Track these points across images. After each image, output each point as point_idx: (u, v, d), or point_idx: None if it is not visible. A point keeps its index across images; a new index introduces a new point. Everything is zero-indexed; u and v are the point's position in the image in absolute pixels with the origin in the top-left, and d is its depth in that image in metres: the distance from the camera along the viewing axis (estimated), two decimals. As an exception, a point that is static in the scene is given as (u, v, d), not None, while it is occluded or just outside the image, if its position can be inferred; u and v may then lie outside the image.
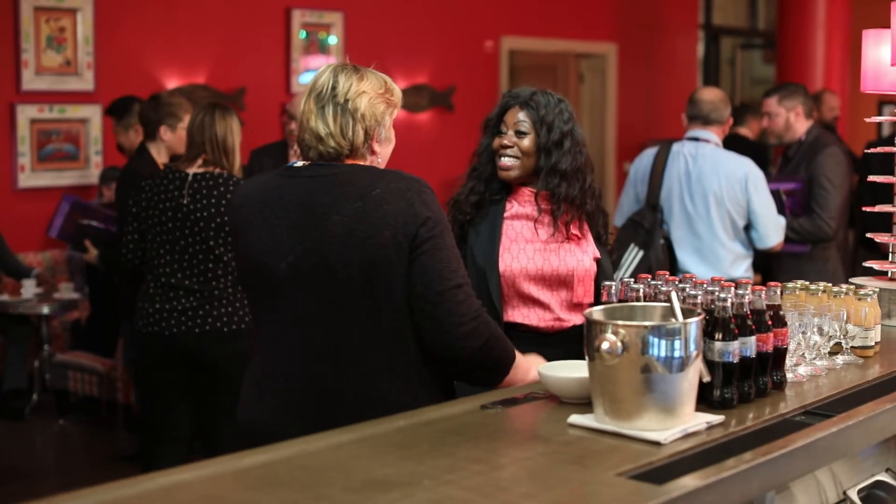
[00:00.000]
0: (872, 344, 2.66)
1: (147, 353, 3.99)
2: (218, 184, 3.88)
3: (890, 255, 3.20)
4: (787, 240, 4.85)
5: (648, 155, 4.79)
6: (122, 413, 6.03)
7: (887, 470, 2.50)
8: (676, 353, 1.90)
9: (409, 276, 2.26)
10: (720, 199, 4.53)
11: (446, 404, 2.23)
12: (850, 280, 3.19)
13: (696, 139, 4.66)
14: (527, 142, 2.96)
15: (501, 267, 2.93)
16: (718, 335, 2.11)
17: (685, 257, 4.58)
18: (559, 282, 2.95)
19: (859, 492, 2.37)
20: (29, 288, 6.25)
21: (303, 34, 7.94)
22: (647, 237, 4.56)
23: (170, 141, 4.63)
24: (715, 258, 4.56)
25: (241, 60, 7.62)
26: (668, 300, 2.06)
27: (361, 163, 2.38)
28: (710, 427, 2.00)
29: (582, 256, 2.98)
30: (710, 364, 2.10)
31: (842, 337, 2.52)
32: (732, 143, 6.16)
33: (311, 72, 7.92)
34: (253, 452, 1.90)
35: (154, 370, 4.01)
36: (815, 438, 2.02)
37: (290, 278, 2.30)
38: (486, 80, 9.05)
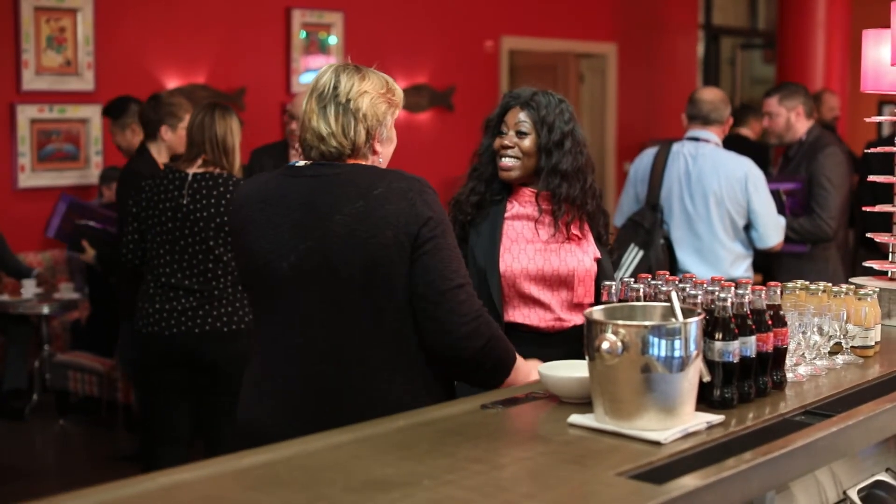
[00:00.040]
0: (872, 344, 2.66)
1: (147, 353, 3.99)
2: (218, 184, 3.88)
3: (890, 255, 3.20)
4: (787, 240, 4.85)
5: (648, 155, 4.79)
6: (122, 413, 6.03)
7: (887, 470, 2.50)
8: (676, 353, 1.90)
9: (411, 275, 2.27)
10: (720, 198, 4.53)
11: (446, 404, 2.23)
12: (850, 280, 3.19)
13: (696, 139, 4.66)
14: (527, 142, 2.96)
15: (502, 267, 2.93)
16: (718, 335, 2.11)
17: (685, 257, 4.58)
18: (560, 282, 2.95)
19: (859, 492, 2.37)
20: (29, 288, 6.25)
21: (303, 34, 7.94)
22: (647, 237, 4.56)
23: (170, 141, 4.63)
24: (715, 258, 4.56)
25: (241, 60, 7.63)
26: (669, 300, 2.06)
27: (363, 162, 2.38)
28: (711, 427, 2.00)
29: (582, 257, 2.98)
30: (710, 364, 2.10)
31: (842, 337, 2.52)
32: (734, 143, 6.16)
33: (311, 72, 7.92)
34: (253, 452, 1.89)
35: (154, 370, 4.01)
36: (815, 438, 2.02)
37: (291, 278, 2.30)
38: (486, 80, 9.05)
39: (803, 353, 2.42)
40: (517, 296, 2.95)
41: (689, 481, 1.75)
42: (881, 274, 3.20)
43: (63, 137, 6.96)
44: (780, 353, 2.25)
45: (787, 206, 5.02)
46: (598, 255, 3.02)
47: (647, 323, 1.94)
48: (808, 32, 9.07)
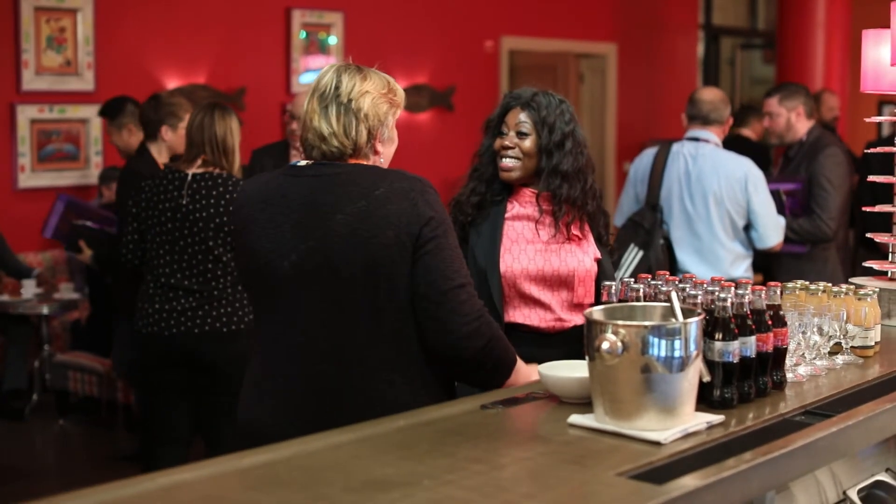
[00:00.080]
0: (872, 344, 2.66)
1: (147, 353, 3.99)
2: (217, 184, 3.88)
3: (890, 255, 3.20)
4: (787, 240, 4.85)
5: (648, 155, 4.79)
6: (122, 413, 6.03)
7: (887, 470, 2.50)
8: (676, 353, 1.90)
9: (413, 275, 2.27)
10: (720, 199, 4.53)
11: (446, 404, 2.23)
12: (849, 280, 3.19)
13: (695, 139, 4.67)
14: (528, 143, 2.96)
15: (502, 267, 2.93)
16: (718, 335, 2.11)
17: (685, 257, 4.58)
18: (560, 282, 2.95)
19: (859, 492, 2.37)
20: (29, 288, 6.25)
21: (303, 34, 7.94)
22: (647, 237, 4.56)
23: (171, 141, 4.63)
24: (715, 258, 4.56)
25: (241, 60, 7.63)
26: (669, 300, 2.06)
27: (364, 162, 2.38)
28: (711, 427, 2.00)
29: (583, 257, 2.98)
30: (710, 364, 2.10)
31: (842, 337, 2.52)
32: (735, 144, 6.17)
33: (311, 72, 7.92)
34: (253, 452, 1.90)
35: (154, 370, 4.01)
36: (815, 438, 2.02)
37: (292, 277, 2.30)
38: (486, 80, 9.05)
39: (803, 354, 2.42)
40: (517, 296, 2.95)
41: (689, 481, 1.75)
42: (881, 274, 3.20)
43: (63, 137, 6.96)
44: (779, 354, 2.25)
45: (787, 206, 5.02)
46: (599, 255, 3.02)
47: (647, 323, 1.94)
48: (808, 32, 9.07)
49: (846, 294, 2.63)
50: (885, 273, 3.17)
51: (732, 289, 2.15)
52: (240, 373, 2.57)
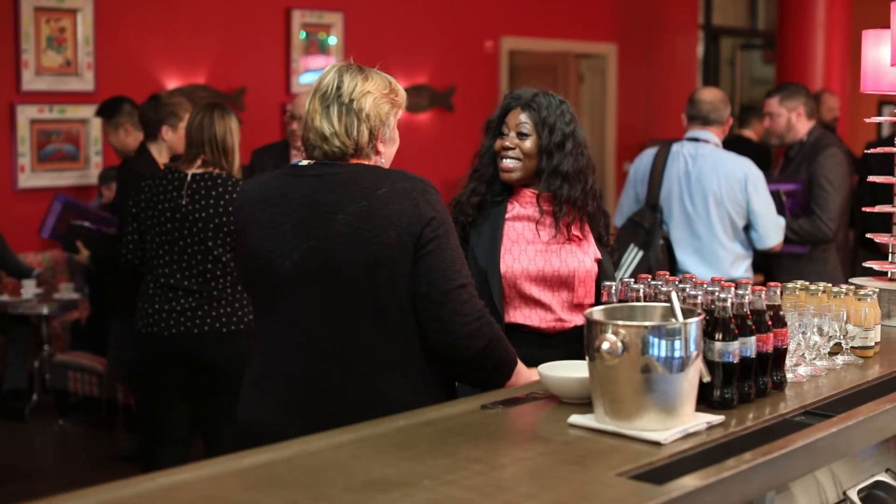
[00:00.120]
0: (872, 344, 2.66)
1: (146, 353, 3.99)
2: (217, 184, 3.88)
3: (890, 255, 3.20)
4: (787, 241, 4.85)
5: (648, 155, 4.79)
6: (122, 413, 6.03)
7: (887, 470, 2.50)
8: (676, 354, 1.90)
9: (414, 275, 2.27)
10: (720, 199, 4.54)
11: (447, 404, 2.23)
12: (849, 280, 3.19)
13: (695, 139, 4.67)
14: (528, 143, 2.96)
15: (503, 268, 2.93)
16: (718, 335, 2.11)
17: (685, 257, 4.58)
18: (560, 283, 2.95)
19: (859, 492, 2.37)
20: (29, 288, 6.25)
21: (303, 34, 7.94)
22: (647, 237, 4.56)
23: (171, 141, 4.63)
24: (714, 258, 4.57)
25: (241, 60, 7.63)
26: (669, 300, 2.06)
27: (366, 162, 2.38)
28: (711, 427, 2.00)
29: (583, 257, 2.98)
30: (710, 364, 2.10)
31: (842, 337, 2.52)
32: (737, 145, 6.17)
33: (311, 72, 7.92)
34: (253, 452, 1.90)
35: (153, 370, 4.01)
36: (815, 438, 2.02)
37: (294, 277, 2.30)
38: (486, 80, 9.05)
39: (803, 354, 2.42)
40: (518, 296, 2.95)
41: (689, 482, 1.75)
42: (881, 274, 3.20)
43: (63, 138, 6.96)
44: (779, 354, 2.25)
45: (787, 206, 5.02)
46: (599, 255, 3.02)
47: (647, 323, 1.94)
48: (808, 33, 9.07)
49: (846, 294, 2.64)
50: (885, 273, 3.17)
51: (732, 289, 2.15)
52: (239, 373, 2.57)
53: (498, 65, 9.18)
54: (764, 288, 2.24)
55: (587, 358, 1.98)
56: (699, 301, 2.15)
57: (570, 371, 2.20)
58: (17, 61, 6.70)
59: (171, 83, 7.23)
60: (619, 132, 10.22)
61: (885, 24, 3.16)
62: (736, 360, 2.12)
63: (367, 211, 2.26)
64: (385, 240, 2.25)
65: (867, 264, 3.21)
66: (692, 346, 1.93)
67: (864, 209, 3.32)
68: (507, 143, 2.97)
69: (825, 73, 9.00)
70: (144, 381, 4.14)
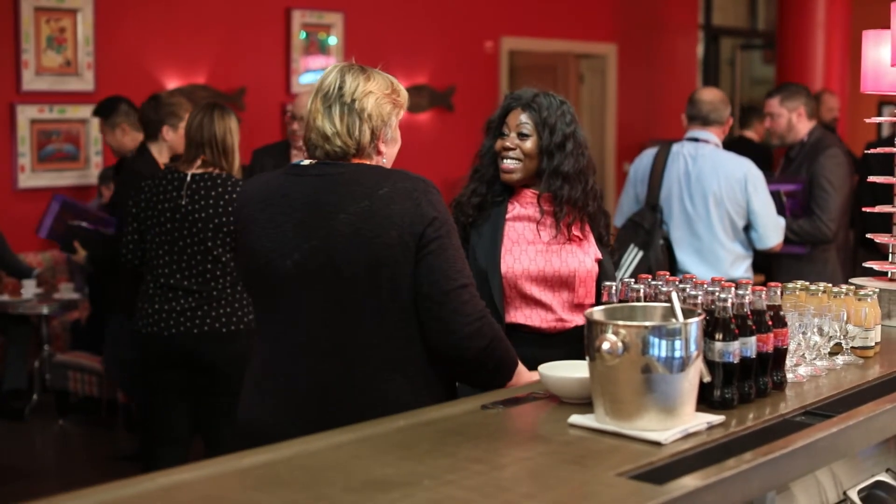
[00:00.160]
0: (872, 344, 2.66)
1: (146, 353, 3.99)
2: (216, 184, 3.88)
3: (890, 255, 3.20)
4: (787, 241, 4.85)
5: (648, 155, 4.79)
6: (122, 413, 6.03)
7: (887, 470, 2.50)
8: (677, 354, 1.90)
9: (416, 275, 2.27)
10: (720, 199, 4.54)
11: (447, 404, 2.23)
12: (849, 280, 3.19)
13: (695, 140, 4.67)
14: (529, 144, 2.96)
15: (503, 268, 2.93)
16: (719, 335, 2.11)
17: (685, 258, 4.58)
18: (561, 283, 2.95)
19: (859, 492, 2.37)
20: (29, 288, 6.25)
21: (303, 34, 7.94)
22: (647, 237, 4.56)
23: (172, 141, 4.63)
24: (714, 259, 4.57)
25: (241, 60, 7.63)
26: (669, 300, 2.06)
27: (368, 163, 2.39)
28: (711, 427, 2.00)
29: (583, 257, 2.98)
30: (710, 364, 2.10)
31: (842, 337, 2.52)
32: (738, 145, 6.18)
33: (311, 72, 7.92)
34: (253, 452, 1.90)
35: (153, 370, 4.01)
36: (816, 439, 2.02)
37: (295, 276, 2.30)
38: (486, 80, 9.05)
39: (803, 354, 2.42)
40: (518, 297, 2.95)
41: (690, 482, 1.75)
42: (881, 274, 3.20)
43: (63, 138, 6.96)
44: (780, 354, 2.25)
45: (788, 207, 5.02)
46: (600, 255, 3.02)
47: (647, 323, 1.94)
48: (808, 33, 9.07)
49: (846, 294, 2.63)
50: (885, 273, 3.17)
51: (733, 289, 2.15)
52: (239, 373, 2.56)
53: (498, 65, 9.18)
54: (764, 288, 2.24)
55: (587, 358, 1.98)
56: (699, 301, 2.15)
57: (570, 371, 2.20)
58: (17, 61, 6.70)
59: (171, 83, 7.23)
60: (619, 132, 10.22)
61: (885, 24, 3.16)
62: (736, 361, 2.12)
63: (368, 211, 2.26)
64: (387, 240, 2.25)
65: (867, 264, 3.21)
66: (692, 346, 1.93)
67: (864, 209, 3.32)
68: (508, 144, 2.97)
69: (825, 73, 9.00)
70: (144, 381, 4.14)
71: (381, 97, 2.37)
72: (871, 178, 3.30)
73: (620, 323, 1.93)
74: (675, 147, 4.68)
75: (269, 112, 7.63)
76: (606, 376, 1.94)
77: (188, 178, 3.89)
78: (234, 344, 3.87)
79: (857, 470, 2.44)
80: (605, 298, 2.31)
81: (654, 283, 2.28)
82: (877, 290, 2.76)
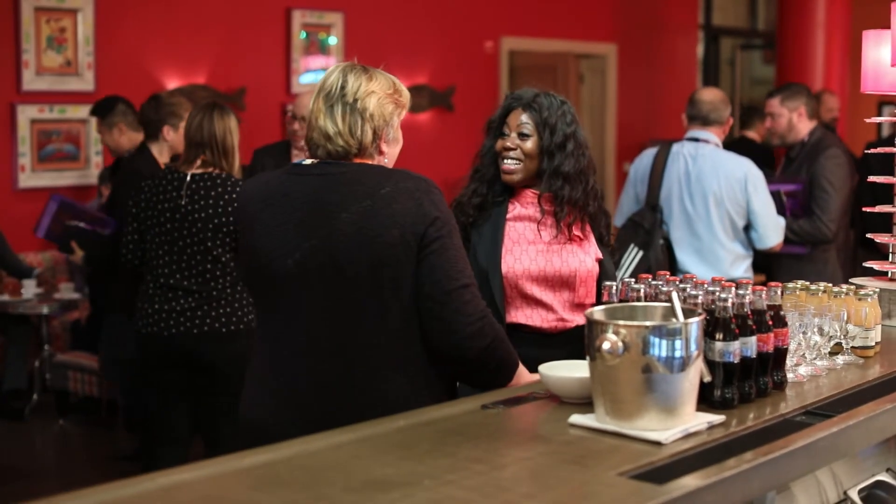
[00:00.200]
0: (873, 344, 2.66)
1: (146, 353, 3.99)
2: (216, 184, 3.88)
3: (890, 255, 3.20)
4: (787, 241, 4.85)
5: (648, 155, 4.79)
6: (122, 413, 6.02)
7: (888, 470, 2.50)
8: (677, 353, 1.90)
9: (417, 275, 2.27)
10: (720, 199, 4.54)
11: (447, 404, 2.23)
12: (850, 280, 3.19)
13: (695, 139, 4.67)
14: (530, 144, 2.96)
15: (504, 268, 2.93)
16: (719, 335, 2.11)
17: (685, 258, 4.58)
18: (562, 283, 2.95)
19: (860, 492, 2.37)
20: (29, 288, 6.25)
21: (303, 34, 7.94)
22: (647, 237, 4.56)
23: (172, 141, 4.63)
24: (714, 258, 4.57)
25: (241, 60, 7.63)
26: (669, 300, 2.06)
27: (369, 162, 2.39)
28: (711, 427, 2.00)
29: (584, 257, 2.98)
30: (710, 364, 2.10)
31: (842, 337, 2.52)
32: (740, 146, 6.17)
33: (311, 72, 7.92)
34: (253, 452, 1.89)
35: (153, 370, 4.01)
36: (816, 438, 2.02)
37: (296, 275, 2.30)
38: (486, 80, 9.05)
39: (804, 354, 2.42)
40: (519, 296, 2.95)
41: (690, 481, 1.75)
42: (881, 274, 3.20)
43: (63, 138, 6.96)
44: (780, 354, 2.25)
45: (788, 207, 5.02)
46: (600, 255, 3.02)
47: (647, 323, 1.94)
48: (808, 33, 9.07)
49: (846, 294, 2.63)
50: (886, 273, 3.17)
51: (733, 289, 2.15)
52: (239, 373, 2.56)
53: (498, 65, 9.18)
54: (764, 288, 2.24)
55: (588, 358, 1.98)
56: (700, 301, 2.15)
57: (570, 371, 2.20)
58: (17, 61, 6.70)
59: (171, 83, 7.23)
60: (619, 132, 10.22)
61: (885, 24, 3.16)
62: (736, 360, 2.12)
63: (370, 210, 2.26)
64: (388, 239, 2.25)
65: (867, 264, 3.21)
66: (693, 346, 1.93)
67: (864, 209, 3.32)
68: (509, 144, 2.97)
69: (825, 73, 9.00)
70: (144, 381, 4.15)
71: (383, 97, 2.38)
72: (871, 178, 3.30)
73: (621, 323, 1.92)
74: (676, 147, 4.69)
75: (270, 112, 7.63)
76: (607, 376, 1.94)
77: (188, 178, 3.89)
78: (234, 344, 3.87)
79: (857, 470, 2.43)
80: (605, 298, 2.31)
81: (654, 282, 2.28)
82: (877, 289, 2.76)
